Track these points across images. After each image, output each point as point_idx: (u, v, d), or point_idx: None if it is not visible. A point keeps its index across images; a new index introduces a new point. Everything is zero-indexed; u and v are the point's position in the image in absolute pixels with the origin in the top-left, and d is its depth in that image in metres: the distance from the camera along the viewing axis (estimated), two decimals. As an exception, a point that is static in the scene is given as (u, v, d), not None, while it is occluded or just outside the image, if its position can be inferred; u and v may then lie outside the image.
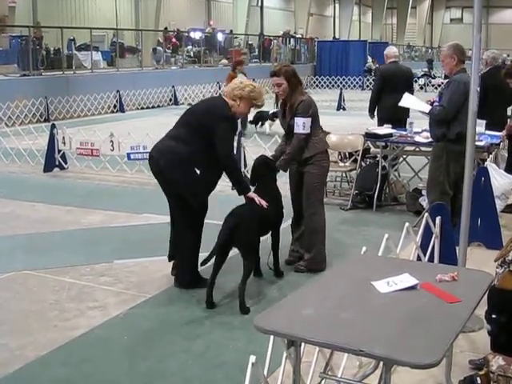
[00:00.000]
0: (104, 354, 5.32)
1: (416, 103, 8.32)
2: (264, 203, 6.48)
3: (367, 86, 35.90)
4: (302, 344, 3.45)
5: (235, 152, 11.20)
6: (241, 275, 6.17)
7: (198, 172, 6.58)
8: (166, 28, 33.65)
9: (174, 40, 33.31)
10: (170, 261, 6.94)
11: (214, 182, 6.77)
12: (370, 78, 36.54)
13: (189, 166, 6.47)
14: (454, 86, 7.62)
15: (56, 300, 6.42)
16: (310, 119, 6.99)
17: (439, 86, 30.76)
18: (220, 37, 37.32)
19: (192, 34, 35.95)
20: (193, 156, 6.41)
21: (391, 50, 11.87)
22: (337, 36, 53.47)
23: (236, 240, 6.20)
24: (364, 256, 4.50)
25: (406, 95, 8.50)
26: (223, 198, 10.10)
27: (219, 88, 29.68)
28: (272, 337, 3.84)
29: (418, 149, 9.93)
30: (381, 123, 11.03)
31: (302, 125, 6.99)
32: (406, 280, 3.61)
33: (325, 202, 9.91)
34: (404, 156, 10.47)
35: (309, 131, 7.01)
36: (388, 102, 11.10)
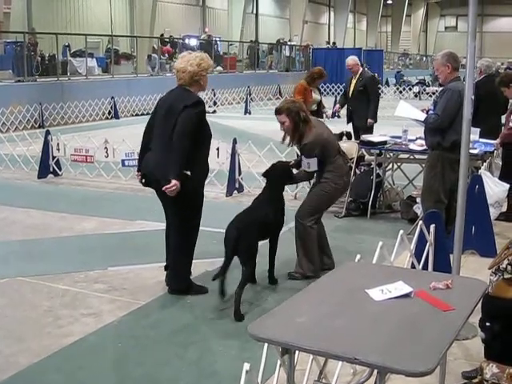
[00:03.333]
0: (98, 361, 5.31)
1: (411, 112, 8.33)
2: (171, 194, 6.33)
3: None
4: (296, 352, 3.45)
5: (230, 158, 11.24)
6: (236, 282, 6.18)
7: (189, 173, 6.36)
8: (162, 35, 33.66)
9: (164, 48, 33.31)
10: (166, 270, 6.93)
11: (203, 179, 6.75)
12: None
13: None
14: (448, 95, 7.64)
15: (50, 307, 6.40)
16: (315, 159, 7.00)
17: (433, 93, 30.85)
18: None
19: (187, 41, 35.99)
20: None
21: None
22: (331, 43, 53.54)
23: (238, 249, 6.30)
24: (358, 264, 4.50)
25: (401, 103, 8.51)
26: (217, 205, 10.15)
27: (214, 95, 29.70)
28: (266, 344, 3.84)
29: (412, 156, 9.94)
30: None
31: (307, 164, 7.09)
32: (400, 288, 3.61)
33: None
34: (398, 164, 10.48)
35: (315, 169, 7.09)
36: None
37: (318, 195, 7.21)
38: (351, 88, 12.67)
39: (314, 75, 12.56)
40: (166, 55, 32.96)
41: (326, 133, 7.23)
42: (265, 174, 7.20)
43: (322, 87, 36.33)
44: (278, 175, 7.06)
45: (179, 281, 6.70)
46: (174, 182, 6.22)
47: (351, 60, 12.77)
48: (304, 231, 7.13)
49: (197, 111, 6.38)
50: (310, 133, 7.03)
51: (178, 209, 6.53)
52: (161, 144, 6.48)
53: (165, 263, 6.94)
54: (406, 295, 3.55)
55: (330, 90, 35.91)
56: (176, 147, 6.25)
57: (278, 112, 7.08)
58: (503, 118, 10.14)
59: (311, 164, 7.04)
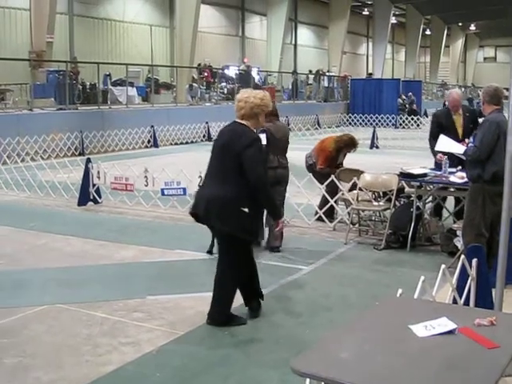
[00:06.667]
0: (136, 391, 5.31)
1: (450, 145, 8.33)
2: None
3: (400, 125, 35.91)
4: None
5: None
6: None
7: (247, 210, 6.39)
8: (199, 64, 33.96)
9: (206, 74, 33.57)
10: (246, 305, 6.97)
11: (259, 216, 6.81)
12: (402, 116, 36.61)
13: (236, 207, 6.38)
14: (486, 126, 7.66)
15: (88, 335, 6.41)
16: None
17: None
18: (254, 74, 37.55)
19: (226, 71, 36.27)
20: (237, 196, 6.36)
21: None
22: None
23: None
24: (400, 298, 4.47)
25: (442, 138, 8.49)
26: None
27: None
28: (308, 379, 3.80)
29: (452, 189, 9.83)
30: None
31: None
32: (444, 324, 3.57)
33: (358, 241, 9.98)
34: (439, 196, 10.36)
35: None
36: None
37: None
38: (458, 127, 10.21)
39: (341, 144, 11.53)
40: (205, 84, 33.20)
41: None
42: None
43: (360, 118, 36.53)
44: None
45: (220, 313, 6.67)
46: (280, 222, 6.72)
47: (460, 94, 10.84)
48: None
49: (258, 148, 6.47)
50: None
51: (229, 243, 6.57)
52: (215, 179, 6.55)
53: (206, 293, 6.96)
54: (450, 332, 3.51)
55: (369, 121, 35.92)
56: (263, 196, 6.46)
57: None
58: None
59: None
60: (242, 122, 6.59)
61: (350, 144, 11.61)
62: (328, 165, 11.34)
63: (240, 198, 6.35)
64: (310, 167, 11.60)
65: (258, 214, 6.62)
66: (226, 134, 6.71)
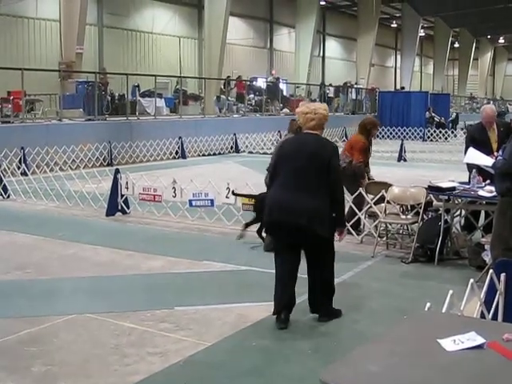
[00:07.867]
0: (163, 401, 5.33)
1: (479, 158, 8.28)
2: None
3: (428, 138, 35.81)
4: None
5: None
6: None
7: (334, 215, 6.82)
8: (228, 76, 34.08)
9: (240, 85, 33.73)
10: (274, 314, 6.98)
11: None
12: (431, 129, 36.51)
13: (331, 213, 6.73)
14: (515, 139, 7.62)
15: (116, 344, 6.45)
16: None
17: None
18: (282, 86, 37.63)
19: (254, 83, 36.35)
20: (327, 205, 6.67)
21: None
22: (398, 87, 53.42)
23: None
24: (429, 312, 4.45)
25: (471, 150, 8.45)
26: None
27: (280, 137, 29.78)
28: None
29: (481, 203, 9.77)
30: None
31: None
32: (473, 338, 3.55)
33: (386, 254, 9.96)
34: (467, 210, 10.32)
35: None
36: None
37: None
38: (492, 142, 10.13)
39: (368, 127, 11.52)
40: (235, 97, 33.27)
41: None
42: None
43: (388, 130, 36.42)
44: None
45: (331, 304, 7.10)
46: (344, 230, 7.06)
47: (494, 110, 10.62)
48: None
49: (339, 156, 6.99)
50: None
51: (327, 245, 6.90)
52: (308, 189, 6.71)
53: (233, 304, 6.99)
54: (479, 346, 3.49)
55: (396, 134, 35.80)
56: (340, 199, 6.86)
57: None
58: None
59: None
60: (313, 132, 6.93)
61: (374, 123, 11.81)
62: (364, 157, 11.36)
63: (329, 206, 6.72)
64: (344, 170, 11.48)
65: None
66: (307, 146, 6.90)
